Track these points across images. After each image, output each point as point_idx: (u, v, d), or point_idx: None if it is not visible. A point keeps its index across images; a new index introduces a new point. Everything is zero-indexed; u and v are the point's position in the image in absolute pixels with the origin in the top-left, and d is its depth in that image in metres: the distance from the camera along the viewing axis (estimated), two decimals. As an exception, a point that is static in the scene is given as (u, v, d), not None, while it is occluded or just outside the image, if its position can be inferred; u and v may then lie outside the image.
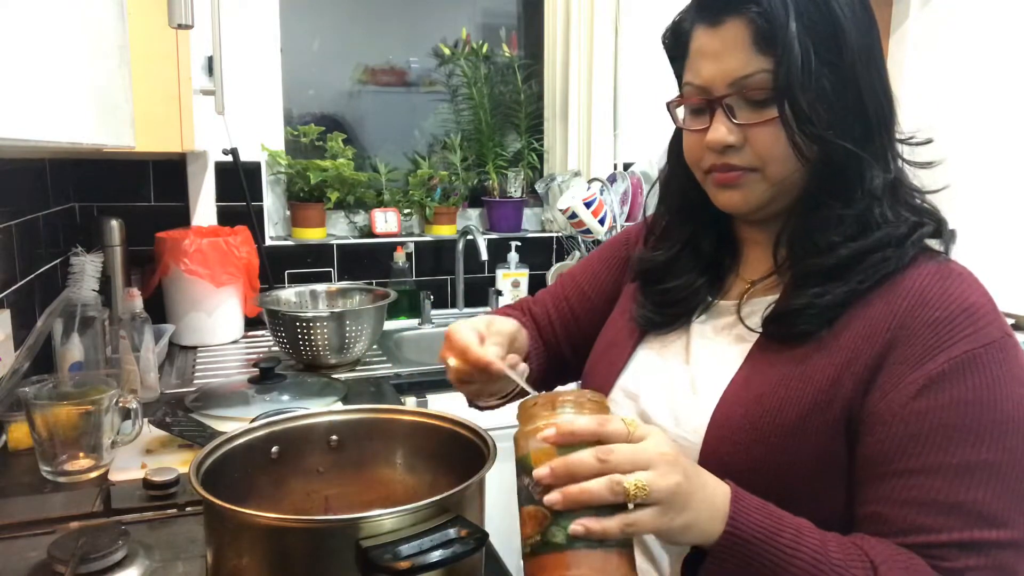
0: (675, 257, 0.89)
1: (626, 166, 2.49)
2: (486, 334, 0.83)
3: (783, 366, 0.75)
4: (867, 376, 0.71)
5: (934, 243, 0.77)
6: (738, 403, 0.76)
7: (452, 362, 0.81)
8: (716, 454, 0.75)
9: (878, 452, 0.70)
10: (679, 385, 0.83)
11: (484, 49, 2.53)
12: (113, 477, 1.20)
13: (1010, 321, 2.10)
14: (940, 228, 0.78)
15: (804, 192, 0.78)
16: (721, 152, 0.77)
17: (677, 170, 0.87)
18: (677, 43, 0.81)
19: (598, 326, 1.00)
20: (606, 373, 0.91)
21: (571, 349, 1.05)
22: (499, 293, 2.44)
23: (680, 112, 0.82)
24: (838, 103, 0.73)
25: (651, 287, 0.91)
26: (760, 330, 0.78)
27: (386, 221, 2.38)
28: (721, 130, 0.76)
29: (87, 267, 1.63)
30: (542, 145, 2.61)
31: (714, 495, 0.65)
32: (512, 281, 2.47)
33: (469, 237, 2.34)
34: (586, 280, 1.05)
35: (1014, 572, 0.66)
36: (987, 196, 2.25)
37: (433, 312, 2.37)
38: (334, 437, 0.92)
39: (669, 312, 0.88)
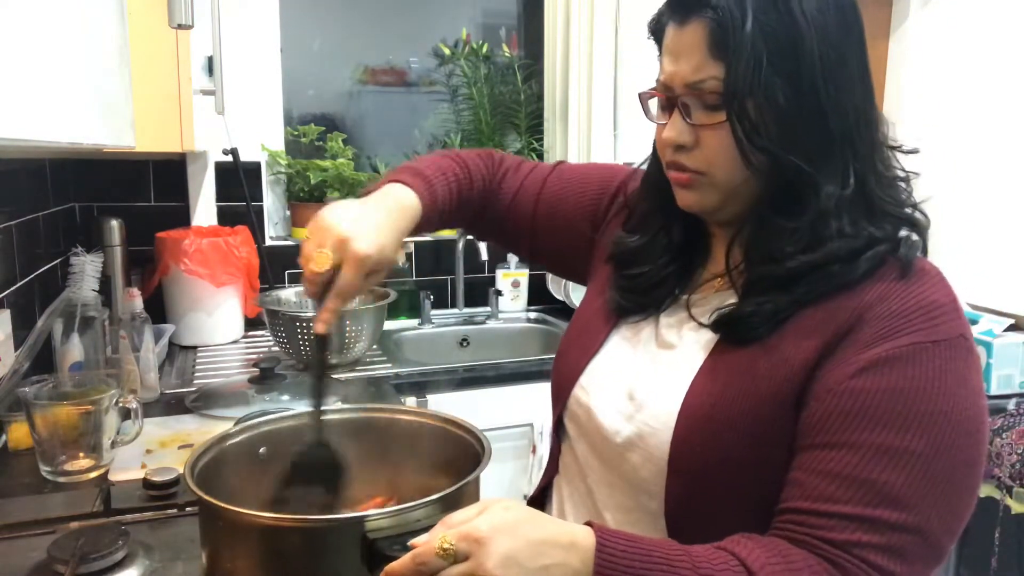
0: (647, 244, 0.90)
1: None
2: (376, 269, 0.83)
3: (749, 356, 0.75)
4: (820, 362, 0.71)
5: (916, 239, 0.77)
6: (706, 393, 0.76)
7: (324, 260, 0.79)
8: (688, 444, 0.76)
9: (808, 424, 0.70)
10: (646, 374, 0.84)
11: (484, 49, 2.53)
12: (113, 477, 1.20)
13: (1010, 321, 2.10)
14: (917, 233, 0.77)
15: (759, 200, 0.78)
16: (675, 151, 0.78)
17: (656, 161, 0.87)
18: (656, 36, 0.82)
19: (556, 228, 1.02)
20: (577, 358, 0.92)
21: (512, 223, 1.05)
22: (499, 293, 2.44)
23: (653, 104, 0.83)
24: (793, 115, 0.72)
25: (621, 271, 0.92)
26: (709, 327, 0.79)
27: (386, 221, 2.37)
28: (675, 129, 0.77)
29: (87, 267, 1.63)
30: (542, 145, 2.60)
31: (564, 563, 0.62)
32: (512, 281, 2.47)
33: (469, 237, 2.34)
34: (570, 189, 1.04)
35: (906, 557, 0.65)
36: (987, 196, 2.25)
37: (433, 312, 2.37)
38: None
39: (637, 300, 0.89)
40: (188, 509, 1.04)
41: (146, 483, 1.09)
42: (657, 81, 0.80)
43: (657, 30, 0.81)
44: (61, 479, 1.18)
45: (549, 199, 1.04)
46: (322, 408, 0.86)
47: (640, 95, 0.83)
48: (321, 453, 0.84)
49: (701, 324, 0.81)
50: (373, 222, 0.84)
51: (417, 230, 0.93)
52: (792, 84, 0.71)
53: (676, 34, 0.76)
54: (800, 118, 0.72)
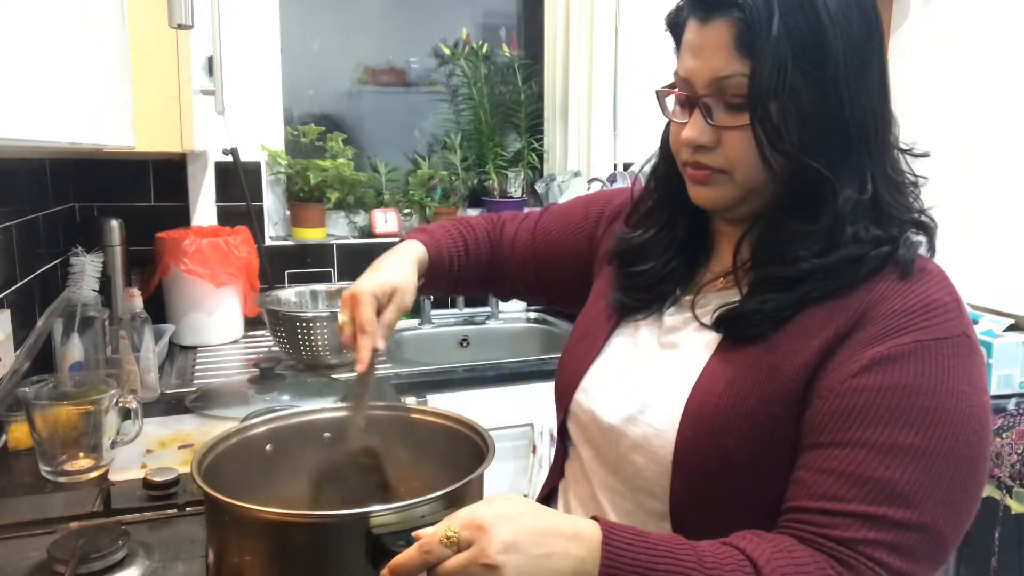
0: (650, 240, 0.90)
1: (626, 166, 2.49)
2: (385, 303, 0.91)
3: (752, 356, 0.75)
4: (823, 361, 0.72)
5: (920, 239, 0.77)
6: (710, 393, 0.76)
7: (343, 319, 0.89)
8: (692, 443, 0.76)
9: (812, 423, 0.71)
10: (648, 375, 0.84)
11: (484, 49, 2.53)
12: (113, 477, 1.20)
13: (1010, 321, 2.10)
14: (925, 235, 0.77)
15: (775, 200, 0.78)
16: (694, 150, 0.78)
17: (665, 157, 0.87)
18: (674, 31, 0.81)
19: (555, 261, 1.07)
20: (580, 360, 0.92)
21: (520, 270, 1.12)
22: (499, 293, 2.44)
23: (670, 101, 0.83)
24: (815, 117, 0.72)
25: (625, 268, 0.92)
26: (711, 326, 0.79)
27: (386, 221, 2.38)
28: (696, 129, 0.77)
29: (87, 267, 1.63)
30: (542, 145, 2.60)
31: (568, 552, 0.62)
32: (512, 281, 2.46)
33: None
34: (557, 223, 1.10)
35: (912, 554, 0.65)
36: (987, 196, 2.25)
37: (433, 312, 2.37)
38: (327, 434, 0.93)
39: (640, 297, 0.89)
40: (188, 509, 1.04)
41: (146, 483, 1.09)
42: (675, 76, 0.79)
43: (675, 24, 0.80)
44: (61, 479, 1.18)
45: (544, 232, 1.10)
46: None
47: (657, 92, 0.83)
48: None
49: (704, 324, 0.81)
50: (370, 272, 0.94)
51: (432, 274, 1.02)
52: (816, 87, 0.71)
53: (699, 31, 0.75)
54: (822, 121, 0.72)
